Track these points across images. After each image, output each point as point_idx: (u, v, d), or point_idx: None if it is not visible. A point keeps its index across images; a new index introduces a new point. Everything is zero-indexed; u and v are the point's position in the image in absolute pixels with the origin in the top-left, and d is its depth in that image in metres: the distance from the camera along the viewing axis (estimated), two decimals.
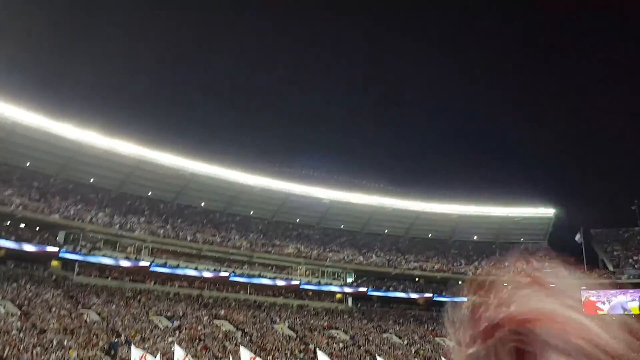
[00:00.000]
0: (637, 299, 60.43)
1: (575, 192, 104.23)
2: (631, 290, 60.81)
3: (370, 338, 52.35)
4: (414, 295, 62.82)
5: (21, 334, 32.70)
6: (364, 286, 61.46)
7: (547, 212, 69.24)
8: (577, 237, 66.28)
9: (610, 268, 63.84)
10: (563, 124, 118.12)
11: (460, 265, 66.59)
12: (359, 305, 61.99)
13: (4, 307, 35.85)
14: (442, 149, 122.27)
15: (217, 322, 46.90)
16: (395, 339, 53.80)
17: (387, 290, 62.22)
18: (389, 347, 50.65)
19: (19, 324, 33.97)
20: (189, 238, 54.86)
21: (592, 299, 61.28)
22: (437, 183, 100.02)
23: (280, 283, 57.28)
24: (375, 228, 71.88)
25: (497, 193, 71.79)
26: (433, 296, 62.83)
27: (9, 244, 42.38)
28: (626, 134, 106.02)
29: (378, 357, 36.67)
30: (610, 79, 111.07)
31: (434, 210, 68.61)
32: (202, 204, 63.57)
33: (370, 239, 70.53)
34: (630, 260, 64.53)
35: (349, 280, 61.65)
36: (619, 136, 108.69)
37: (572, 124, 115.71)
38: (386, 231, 72.46)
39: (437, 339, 55.65)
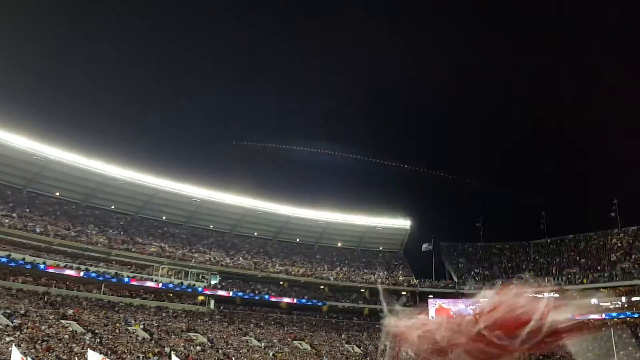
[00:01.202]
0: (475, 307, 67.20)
1: (429, 207, 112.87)
2: (472, 300, 67.54)
3: (230, 341, 52.10)
4: (276, 299, 63.77)
5: None
6: (228, 288, 61.01)
7: (404, 223, 74.49)
8: (424, 246, 72.35)
9: (455, 279, 70.43)
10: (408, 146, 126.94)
11: (324, 270, 69.01)
12: (221, 307, 61.33)
13: None
14: (313, 157, 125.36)
15: (64, 322, 43.50)
16: (254, 342, 54.09)
17: (252, 293, 62.44)
18: (247, 350, 50.84)
19: None
20: (38, 230, 50.29)
21: (445, 306, 67.08)
22: (308, 190, 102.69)
23: (139, 283, 54.72)
24: (245, 230, 71.88)
25: (362, 203, 75.69)
26: (297, 300, 64.37)
27: None
28: (475, 155, 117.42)
29: None
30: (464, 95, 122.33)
31: (304, 215, 70.37)
32: (57, 193, 58.67)
33: (239, 241, 70.33)
34: (472, 272, 71.80)
35: (214, 282, 60.79)
36: (468, 157, 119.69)
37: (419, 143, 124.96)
38: (256, 234, 72.78)
39: (295, 342, 57.01)
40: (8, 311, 41.10)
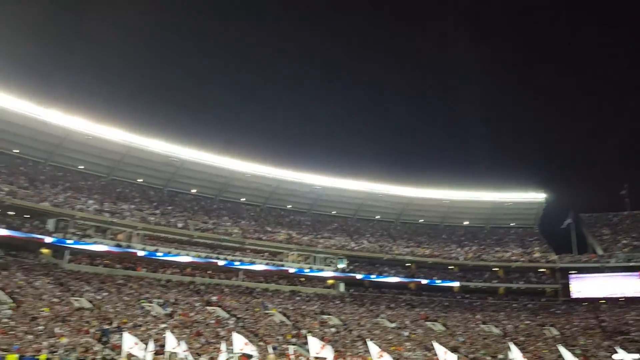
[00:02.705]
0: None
1: (566, 177, 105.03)
2: (621, 274, 61.75)
3: (362, 323, 52.71)
4: (405, 280, 63.19)
5: (12, 322, 32.55)
6: (355, 272, 61.69)
7: (538, 196, 69.69)
8: (565, 223, 66.79)
9: (600, 252, 64.53)
10: (553, 109, 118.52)
11: (452, 250, 67.02)
12: (350, 290, 62.28)
13: None
14: (434, 135, 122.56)
15: (209, 308, 46.96)
16: (386, 323, 54.18)
17: (379, 275, 62.50)
18: (380, 332, 51.06)
19: (10, 312, 33.80)
20: (180, 225, 54.64)
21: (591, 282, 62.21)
22: (429, 169, 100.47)
23: (272, 269, 57.31)
24: (367, 214, 72.10)
25: (488, 178, 72.26)
26: (427, 281, 63.25)
27: None
28: (615, 118, 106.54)
29: (369, 342, 36.77)
30: (604, 61, 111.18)
31: (425, 195, 68.76)
32: (193, 190, 63.29)
33: (362, 225, 70.74)
34: (619, 244, 65.23)
35: (341, 265, 61.83)
36: (609, 120, 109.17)
37: (562, 108, 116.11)
38: (378, 217, 72.67)
39: (427, 323, 56.14)
40: (160, 301, 45.27)
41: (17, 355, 27.64)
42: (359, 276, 61.43)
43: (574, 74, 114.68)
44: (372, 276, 62.18)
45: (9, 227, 42.72)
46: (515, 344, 41.73)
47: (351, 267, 62.11)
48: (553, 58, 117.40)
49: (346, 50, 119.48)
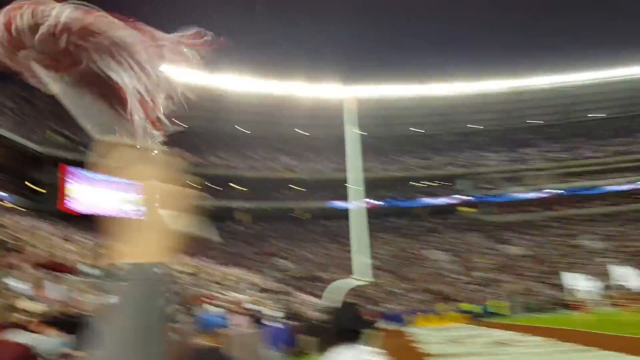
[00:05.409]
0: None
1: None
2: None
3: None
4: None
5: (454, 275, 36.27)
6: None
7: None
8: None
9: None
10: None
11: None
12: None
13: (433, 254, 40.50)
14: None
15: None
16: None
17: None
18: None
19: (449, 266, 37.80)
20: (588, 155, 49.69)
21: None
22: None
23: None
24: None
25: None
26: None
27: (423, 201, 47.94)
28: None
29: None
30: None
31: None
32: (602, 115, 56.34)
33: None
34: None
35: None
36: None
37: None
38: None
39: None
40: (590, 236, 41.90)
41: (468, 304, 30.65)
42: None
43: None
44: None
45: (429, 195, 48.23)
46: None
47: None
48: None
49: None
